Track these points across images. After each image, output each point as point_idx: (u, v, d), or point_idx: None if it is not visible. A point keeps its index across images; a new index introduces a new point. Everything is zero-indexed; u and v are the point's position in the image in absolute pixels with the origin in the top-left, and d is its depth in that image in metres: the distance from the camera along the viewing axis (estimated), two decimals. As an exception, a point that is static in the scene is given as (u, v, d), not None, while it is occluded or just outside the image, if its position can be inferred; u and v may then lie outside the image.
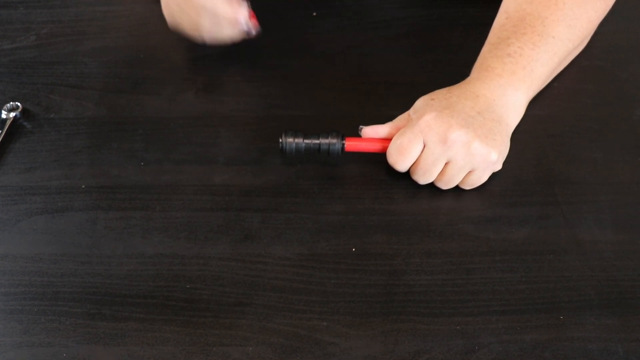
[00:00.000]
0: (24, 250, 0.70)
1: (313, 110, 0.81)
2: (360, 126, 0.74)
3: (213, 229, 0.72)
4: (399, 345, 0.64)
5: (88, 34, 0.90)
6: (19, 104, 0.82)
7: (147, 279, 0.68)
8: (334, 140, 0.73)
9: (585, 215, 0.72)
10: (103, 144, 0.79)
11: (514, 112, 0.74)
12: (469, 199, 0.74)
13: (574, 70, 0.85)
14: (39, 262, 0.69)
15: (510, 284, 0.68)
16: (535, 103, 0.81)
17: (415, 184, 0.74)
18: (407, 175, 0.74)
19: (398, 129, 0.72)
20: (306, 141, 0.73)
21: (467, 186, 0.73)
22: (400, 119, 0.74)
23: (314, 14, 0.92)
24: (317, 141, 0.73)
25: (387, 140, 0.73)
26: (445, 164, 0.71)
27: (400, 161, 0.71)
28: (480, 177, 0.72)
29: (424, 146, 0.70)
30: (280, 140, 0.73)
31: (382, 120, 0.74)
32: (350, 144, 0.74)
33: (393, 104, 0.77)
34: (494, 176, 0.75)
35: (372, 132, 0.74)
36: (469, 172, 0.71)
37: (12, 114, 0.81)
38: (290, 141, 0.73)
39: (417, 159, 0.71)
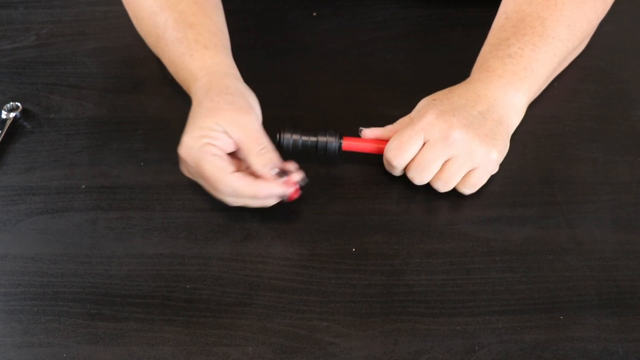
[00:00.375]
0: (24, 250, 0.70)
1: (313, 110, 0.81)
2: (360, 128, 0.74)
3: (213, 229, 0.72)
4: (399, 345, 0.64)
5: (88, 34, 0.90)
6: (19, 104, 0.82)
7: (147, 279, 0.68)
8: (332, 139, 0.73)
9: (585, 215, 0.72)
10: (103, 144, 0.79)
11: (514, 113, 0.74)
12: (469, 199, 0.74)
13: (574, 70, 0.85)
14: (39, 262, 0.69)
15: (510, 284, 0.68)
16: (535, 103, 0.81)
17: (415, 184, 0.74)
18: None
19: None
20: (304, 138, 0.73)
21: (465, 188, 0.72)
22: (401, 122, 0.74)
23: (314, 14, 0.92)
24: (314, 138, 0.73)
25: (385, 141, 0.72)
26: (444, 162, 0.70)
27: (398, 156, 0.70)
28: (478, 179, 0.72)
29: (424, 144, 0.70)
30: (278, 135, 0.73)
31: (381, 120, 0.74)
32: (348, 144, 0.74)
33: (393, 104, 0.77)
34: (494, 176, 0.75)
35: (372, 134, 0.74)
36: (468, 172, 0.71)
37: (12, 114, 0.81)
38: (288, 137, 0.73)
39: (415, 156, 0.70)
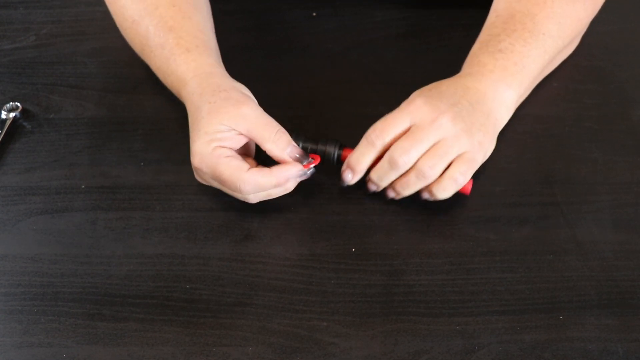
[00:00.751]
0: (24, 251, 0.70)
1: (313, 110, 0.81)
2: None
3: (213, 229, 0.72)
4: (398, 345, 0.64)
5: (88, 34, 0.90)
6: (19, 104, 0.82)
7: (147, 279, 0.68)
8: (331, 149, 0.73)
9: (585, 215, 0.72)
10: (103, 144, 0.79)
11: (504, 108, 0.74)
12: (469, 199, 0.74)
13: (574, 70, 0.85)
14: (39, 262, 0.69)
15: (510, 284, 0.68)
16: (535, 103, 0.82)
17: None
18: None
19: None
20: (303, 145, 0.73)
21: (446, 182, 0.69)
22: None
23: (314, 14, 0.92)
24: (314, 146, 0.73)
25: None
26: (430, 147, 0.68)
27: (380, 136, 0.68)
28: (462, 170, 0.68)
29: (410, 126, 0.69)
30: None
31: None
32: (347, 155, 0.73)
33: (393, 104, 0.77)
34: (494, 176, 0.75)
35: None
36: (452, 163, 0.69)
37: (12, 114, 0.81)
38: None
39: (402, 137, 0.68)
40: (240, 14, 0.91)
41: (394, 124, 0.69)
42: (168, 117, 0.81)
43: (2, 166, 0.77)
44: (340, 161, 0.73)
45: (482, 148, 0.70)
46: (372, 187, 0.72)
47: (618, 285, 0.67)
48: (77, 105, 0.83)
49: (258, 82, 0.75)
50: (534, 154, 0.78)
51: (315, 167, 0.70)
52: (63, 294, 0.67)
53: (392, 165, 0.68)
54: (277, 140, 0.68)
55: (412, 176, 0.69)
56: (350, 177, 0.71)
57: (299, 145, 0.71)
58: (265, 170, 0.68)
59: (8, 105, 0.82)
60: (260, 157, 0.72)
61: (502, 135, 0.79)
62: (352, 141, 0.74)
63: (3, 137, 0.79)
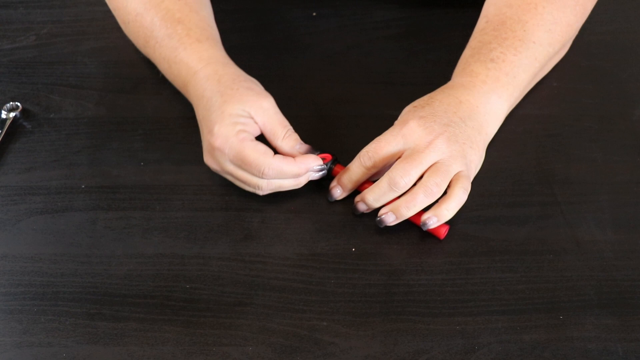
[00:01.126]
0: (24, 250, 0.70)
1: (313, 110, 0.82)
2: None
3: (213, 229, 0.72)
4: (398, 345, 0.64)
5: (88, 34, 0.90)
6: (19, 104, 0.82)
7: (147, 279, 0.68)
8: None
9: (585, 215, 0.72)
10: (103, 144, 0.79)
11: (494, 120, 0.74)
12: (469, 199, 0.73)
13: (574, 70, 0.85)
14: (39, 262, 0.69)
15: (510, 284, 0.68)
16: (535, 103, 0.82)
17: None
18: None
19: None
20: None
21: (454, 200, 0.68)
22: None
23: (314, 14, 0.92)
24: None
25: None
26: (424, 172, 0.68)
27: (374, 157, 0.68)
28: (466, 189, 0.68)
29: (403, 149, 0.69)
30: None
31: (381, 121, 0.74)
32: (338, 171, 0.73)
33: (393, 104, 0.77)
34: (494, 176, 0.75)
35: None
36: (449, 185, 0.69)
37: (12, 114, 0.81)
38: None
39: (398, 161, 0.68)
40: (241, 14, 0.91)
41: (387, 146, 0.69)
42: (168, 117, 0.81)
43: (2, 166, 0.77)
44: (332, 175, 0.73)
45: (474, 165, 0.71)
46: (362, 208, 0.71)
47: (618, 285, 0.68)
48: (77, 105, 0.83)
49: (258, 81, 0.75)
50: (534, 154, 0.78)
51: (327, 168, 0.72)
52: (63, 293, 0.67)
53: (393, 186, 0.68)
54: (288, 137, 0.70)
55: (419, 195, 0.67)
56: (339, 194, 0.73)
57: None
58: (289, 158, 0.69)
59: (8, 105, 0.82)
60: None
61: (502, 135, 0.79)
62: (352, 141, 0.74)
63: (3, 137, 0.79)
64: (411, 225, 0.71)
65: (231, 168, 0.70)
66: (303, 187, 0.73)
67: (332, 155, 0.73)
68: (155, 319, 0.66)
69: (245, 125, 0.69)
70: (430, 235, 0.71)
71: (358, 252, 0.70)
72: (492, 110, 0.73)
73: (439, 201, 0.68)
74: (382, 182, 0.69)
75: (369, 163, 0.70)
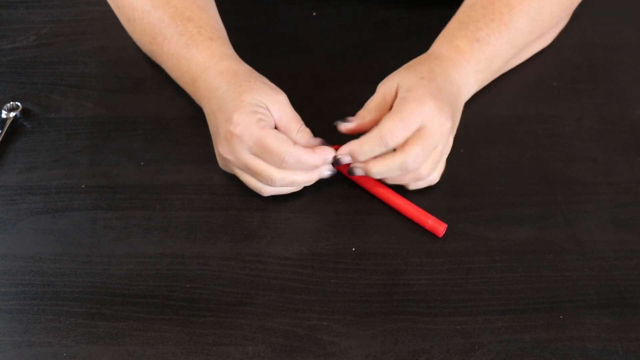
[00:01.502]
0: (24, 250, 0.70)
1: (313, 110, 0.81)
2: (336, 121, 0.72)
3: (213, 228, 0.72)
4: (398, 344, 0.64)
5: (88, 34, 0.90)
6: (19, 103, 0.82)
7: (147, 278, 0.68)
8: None
9: (585, 215, 0.73)
10: (103, 143, 0.79)
11: (465, 100, 0.77)
12: (469, 199, 0.74)
13: (574, 70, 0.85)
14: (39, 261, 0.69)
15: (510, 284, 0.68)
16: (535, 103, 0.82)
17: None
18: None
19: (378, 115, 0.71)
20: None
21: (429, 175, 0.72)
22: (376, 106, 0.71)
23: (314, 14, 0.92)
24: None
25: (373, 180, 0.72)
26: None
27: (396, 138, 0.67)
28: (441, 163, 0.73)
29: (422, 128, 0.68)
30: None
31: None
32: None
33: (393, 103, 0.77)
34: (494, 176, 0.75)
35: (349, 128, 0.72)
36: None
37: (12, 114, 0.81)
38: None
39: (416, 142, 0.68)
40: (241, 14, 0.91)
41: (409, 127, 0.68)
42: (168, 117, 0.81)
43: (3, 166, 0.77)
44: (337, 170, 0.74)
45: (449, 147, 0.74)
46: (359, 172, 0.70)
47: (618, 285, 0.68)
48: (77, 104, 0.83)
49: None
50: (534, 153, 0.78)
51: (335, 171, 0.73)
52: (63, 293, 0.67)
53: (404, 169, 0.69)
54: (302, 131, 0.71)
55: (411, 178, 0.71)
56: (347, 160, 0.71)
57: None
58: (308, 149, 0.69)
59: (8, 104, 0.82)
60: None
61: (502, 135, 0.79)
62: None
63: (3, 137, 0.79)
64: (411, 225, 0.71)
65: (248, 158, 0.69)
66: (303, 187, 0.73)
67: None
68: (155, 319, 0.66)
69: (264, 115, 0.69)
70: (430, 235, 0.71)
71: (358, 252, 0.70)
72: (467, 92, 0.76)
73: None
74: (394, 163, 0.68)
75: (390, 143, 0.68)
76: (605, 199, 0.74)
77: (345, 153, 0.70)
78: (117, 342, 0.64)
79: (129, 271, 0.69)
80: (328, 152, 0.70)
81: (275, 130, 0.69)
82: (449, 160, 0.74)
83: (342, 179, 0.75)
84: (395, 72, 0.73)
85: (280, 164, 0.68)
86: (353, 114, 0.73)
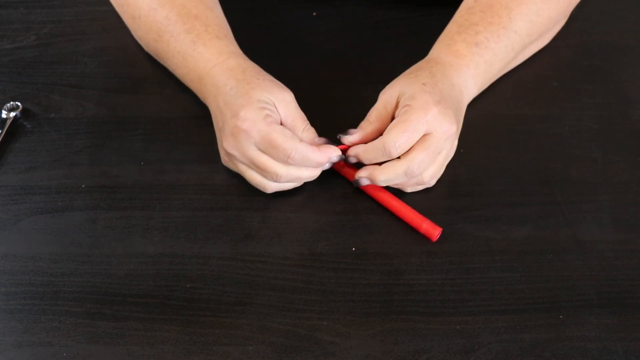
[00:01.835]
0: (24, 250, 0.70)
1: (313, 111, 0.81)
2: (339, 135, 0.73)
3: (213, 228, 0.72)
4: (398, 344, 0.64)
5: (88, 34, 0.90)
6: (19, 103, 0.82)
7: (147, 278, 0.68)
8: None
9: (585, 215, 0.73)
10: (103, 144, 0.79)
11: (466, 105, 0.77)
12: (469, 199, 0.74)
13: (574, 70, 0.85)
14: (39, 261, 0.69)
15: (510, 284, 0.68)
16: (535, 103, 0.82)
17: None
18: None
19: (381, 125, 0.71)
20: None
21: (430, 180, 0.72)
22: (377, 117, 0.72)
23: (314, 14, 0.93)
24: None
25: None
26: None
27: (403, 148, 0.68)
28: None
29: (427, 135, 0.68)
30: None
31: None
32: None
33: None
34: (494, 176, 0.75)
35: (352, 139, 0.72)
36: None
37: (12, 114, 0.81)
38: None
39: (421, 149, 0.68)
40: (241, 14, 0.91)
41: (413, 136, 0.68)
42: (168, 117, 0.81)
43: (3, 165, 0.77)
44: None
45: (452, 152, 0.74)
46: (365, 182, 0.72)
47: (618, 285, 0.68)
48: (77, 104, 0.83)
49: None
50: (534, 153, 0.78)
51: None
52: (63, 293, 0.67)
53: (409, 175, 0.69)
54: (308, 130, 0.71)
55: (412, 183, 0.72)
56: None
57: None
58: (314, 147, 0.70)
59: (8, 104, 0.82)
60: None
61: (502, 135, 0.79)
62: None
63: (3, 137, 0.79)
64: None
65: (253, 153, 0.69)
66: (303, 186, 0.73)
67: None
68: (155, 319, 0.66)
69: (271, 112, 0.70)
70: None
71: (358, 251, 0.70)
72: (468, 95, 0.76)
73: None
74: (399, 169, 0.69)
75: (395, 155, 0.69)
76: (605, 199, 0.74)
77: (353, 155, 0.72)
78: (117, 342, 0.64)
79: (129, 271, 0.69)
80: (333, 152, 0.71)
81: (282, 127, 0.69)
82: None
83: (343, 178, 0.75)
84: (396, 80, 0.73)
85: (285, 159, 0.68)
86: (353, 113, 0.74)
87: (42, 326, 0.65)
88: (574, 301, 0.66)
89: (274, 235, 0.71)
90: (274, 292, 0.67)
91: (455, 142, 0.73)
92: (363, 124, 0.72)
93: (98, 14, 0.92)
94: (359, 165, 0.73)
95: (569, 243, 0.70)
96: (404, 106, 0.69)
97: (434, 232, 0.70)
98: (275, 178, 0.70)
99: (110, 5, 0.86)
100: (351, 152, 0.72)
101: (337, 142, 0.72)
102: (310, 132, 0.72)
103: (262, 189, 0.72)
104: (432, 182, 0.73)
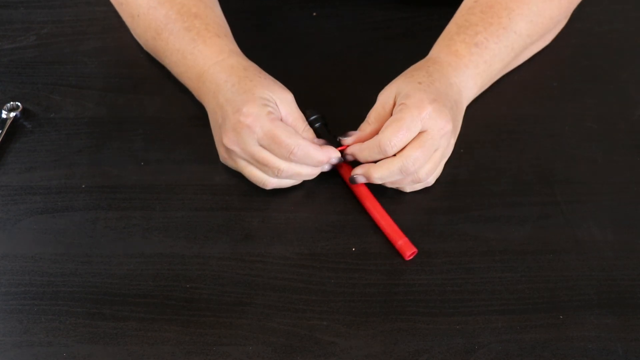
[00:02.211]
0: (24, 250, 0.70)
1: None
2: (339, 137, 0.73)
3: (213, 228, 0.72)
4: (398, 344, 0.64)
5: (88, 34, 0.90)
6: (19, 103, 0.82)
7: (147, 278, 0.68)
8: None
9: (585, 215, 0.72)
10: (103, 144, 0.79)
11: (466, 104, 0.77)
12: (469, 199, 0.74)
13: (574, 70, 0.85)
14: (39, 261, 0.69)
15: (510, 284, 0.68)
16: (535, 103, 0.82)
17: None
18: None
19: (380, 125, 0.71)
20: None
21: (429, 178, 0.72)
22: (376, 117, 0.72)
23: (314, 14, 0.92)
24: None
25: (362, 189, 0.73)
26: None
27: (399, 145, 0.68)
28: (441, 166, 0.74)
29: (423, 132, 0.69)
30: None
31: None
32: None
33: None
34: (494, 176, 0.75)
35: (351, 140, 0.72)
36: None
37: (12, 114, 0.81)
38: None
39: (417, 147, 0.68)
40: (241, 14, 0.91)
41: (408, 134, 0.68)
42: (168, 117, 0.81)
43: (3, 166, 0.77)
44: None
45: (450, 150, 0.74)
46: (361, 180, 0.71)
47: (618, 285, 0.68)
48: (77, 105, 0.83)
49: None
50: (534, 153, 0.78)
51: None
52: (63, 293, 0.67)
53: (404, 173, 0.69)
54: (308, 131, 0.72)
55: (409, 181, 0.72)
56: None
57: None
58: (316, 145, 0.70)
59: (8, 104, 0.82)
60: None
61: (502, 135, 0.79)
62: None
63: (3, 137, 0.79)
64: (411, 226, 0.71)
65: (255, 149, 0.69)
66: (303, 186, 0.73)
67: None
68: (155, 319, 0.66)
69: (273, 109, 0.70)
70: (430, 235, 0.71)
71: (358, 252, 0.70)
72: (467, 95, 0.76)
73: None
74: (394, 166, 0.69)
75: (391, 153, 0.69)
76: (606, 199, 0.74)
77: (349, 153, 0.72)
78: (117, 342, 0.64)
79: (129, 271, 0.69)
80: (333, 152, 0.71)
81: (284, 124, 0.70)
82: (449, 160, 0.74)
83: (341, 177, 0.75)
84: (394, 81, 0.73)
85: (288, 156, 0.69)
86: (352, 113, 0.74)
87: (42, 326, 0.65)
88: (574, 301, 0.66)
89: (273, 235, 0.71)
90: (274, 292, 0.67)
91: (453, 140, 0.73)
92: (362, 125, 0.73)
93: (98, 14, 0.92)
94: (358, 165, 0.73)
95: (569, 243, 0.70)
96: (399, 104, 0.69)
97: (407, 251, 0.69)
98: (276, 173, 0.70)
99: (110, 5, 0.86)
100: (348, 150, 0.72)
101: (336, 144, 0.72)
102: (309, 133, 0.72)
103: (261, 185, 0.72)
104: (432, 181, 0.73)
